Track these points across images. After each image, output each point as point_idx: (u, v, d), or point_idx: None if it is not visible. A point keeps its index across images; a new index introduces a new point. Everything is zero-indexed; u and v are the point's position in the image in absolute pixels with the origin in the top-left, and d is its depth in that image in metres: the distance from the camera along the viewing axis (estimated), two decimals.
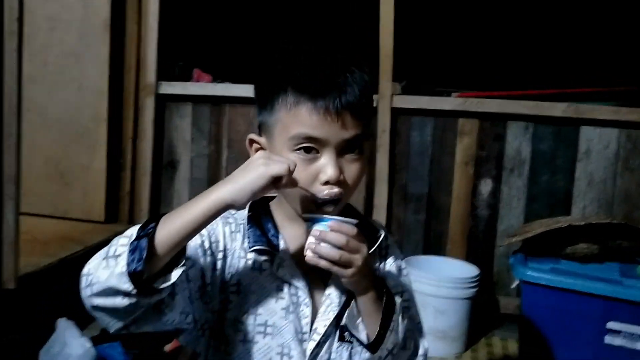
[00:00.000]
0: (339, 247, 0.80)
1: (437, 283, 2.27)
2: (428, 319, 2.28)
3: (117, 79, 2.76)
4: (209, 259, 0.86)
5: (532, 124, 2.56)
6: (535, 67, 2.88)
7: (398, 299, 0.90)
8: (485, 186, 2.66)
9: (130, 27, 2.76)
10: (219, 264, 0.87)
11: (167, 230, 0.73)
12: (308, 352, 0.88)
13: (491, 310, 2.61)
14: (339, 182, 0.85)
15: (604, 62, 2.89)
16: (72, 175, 2.78)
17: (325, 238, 0.80)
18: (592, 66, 2.84)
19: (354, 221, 0.84)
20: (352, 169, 0.86)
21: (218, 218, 0.78)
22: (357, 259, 0.82)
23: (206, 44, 3.12)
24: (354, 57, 0.88)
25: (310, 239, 0.82)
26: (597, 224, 2.03)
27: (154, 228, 0.73)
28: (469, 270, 2.38)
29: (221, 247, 0.88)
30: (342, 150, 0.85)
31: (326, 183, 0.84)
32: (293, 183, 0.81)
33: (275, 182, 0.77)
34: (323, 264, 0.81)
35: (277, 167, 0.76)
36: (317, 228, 0.82)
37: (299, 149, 0.83)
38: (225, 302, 0.88)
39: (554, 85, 2.57)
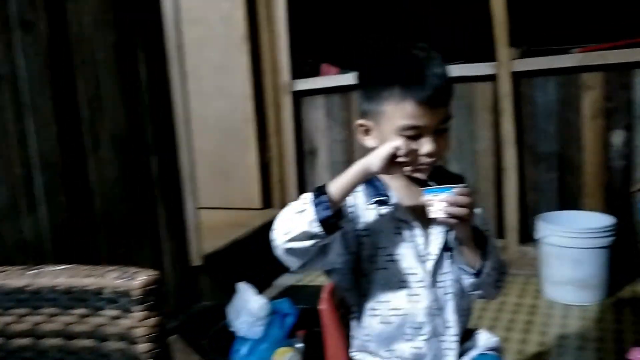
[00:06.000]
0: (463, 207, 1.04)
1: (572, 235, 2.33)
2: (566, 269, 2.37)
3: (258, 83, 3.14)
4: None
5: None
6: None
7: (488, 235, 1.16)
8: (617, 137, 2.64)
9: (264, 36, 3.13)
10: (351, 216, 1.15)
11: (336, 188, 1.03)
12: (429, 269, 1.15)
13: (636, 259, 2.60)
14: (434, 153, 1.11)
15: None
16: (231, 171, 3.22)
17: (457, 202, 1.04)
18: None
19: (463, 185, 1.08)
20: (442, 142, 1.12)
21: None
22: (473, 213, 1.07)
23: (331, 39, 3.35)
24: (440, 54, 1.11)
25: (439, 205, 1.04)
26: None
27: (326, 189, 1.03)
28: (604, 220, 2.40)
29: (350, 204, 1.15)
30: (436, 130, 1.11)
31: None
32: (400, 162, 1.05)
33: (393, 158, 1.04)
34: (452, 221, 1.06)
35: (390, 146, 1.03)
36: (444, 194, 1.04)
37: (406, 135, 1.09)
38: (360, 244, 1.16)
39: None
